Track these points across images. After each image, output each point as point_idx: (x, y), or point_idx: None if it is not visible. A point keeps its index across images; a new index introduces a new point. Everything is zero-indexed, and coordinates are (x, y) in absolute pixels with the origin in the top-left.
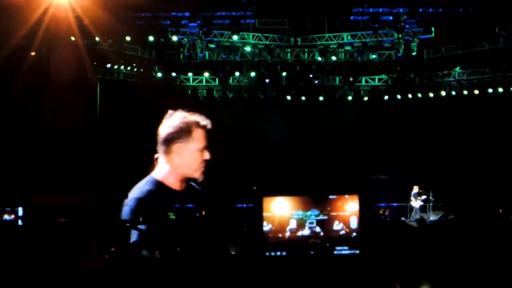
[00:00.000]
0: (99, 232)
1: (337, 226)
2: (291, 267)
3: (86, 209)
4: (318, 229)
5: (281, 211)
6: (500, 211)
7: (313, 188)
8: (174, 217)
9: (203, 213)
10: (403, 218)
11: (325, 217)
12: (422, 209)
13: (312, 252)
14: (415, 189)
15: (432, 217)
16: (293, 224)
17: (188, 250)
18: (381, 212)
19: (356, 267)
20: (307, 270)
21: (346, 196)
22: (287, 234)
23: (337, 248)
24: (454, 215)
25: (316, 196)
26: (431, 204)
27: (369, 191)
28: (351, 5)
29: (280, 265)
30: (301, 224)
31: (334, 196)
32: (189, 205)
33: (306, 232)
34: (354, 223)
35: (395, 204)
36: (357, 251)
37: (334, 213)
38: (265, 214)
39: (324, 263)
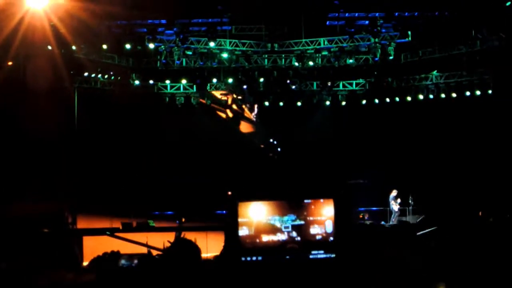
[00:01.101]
0: (79, 241)
1: (314, 230)
2: (267, 272)
3: (65, 218)
4: (294, 233)
5: (258, 216)
6: (480, 214)
7: (289, 193)
8: (153, 224)
9: (183, 220)
10: (382, 222)
11: (302, 222)
12: (402, 212)
13: (288, 257)
14: (394, 192)
15: (412, 220)
16: (269, 229)
17: (167, 255)
18: (360, 216)
19: (332, 270)
20: (283, 274)
21: (321, 200)
22: (264, 239)
23: (313, 252)
24: (434, 218)
25: (291, 201)
26: (410, 208)
27: (347, 196)
28: (327, 10)
29: (256, 270)
30: (277, 229)
31: (309, 201)
32: (169, 212)
33: (283, 237)
34: (330, 227)
35: (374, 208)
36: (333, 255)
37: (311, 218)
38: (241, 219)
39: (300, 267)
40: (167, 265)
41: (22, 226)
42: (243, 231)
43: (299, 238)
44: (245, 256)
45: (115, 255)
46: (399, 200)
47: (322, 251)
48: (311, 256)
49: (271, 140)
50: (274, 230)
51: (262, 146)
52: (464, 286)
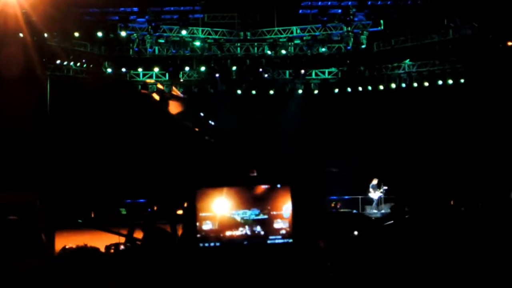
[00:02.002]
0: (48, 229)
1: (277, 225)
2: (225, 256)
3: (35, 207)
4: (258, 228)
5: (221, 210)
6: (452, 202)
7: (244, 179)
8: (125, 212)
9: (155, 208)
10: (354, 211)
11: (265, 217)
12: (380, 201)
13: (245, 242)
14: (374, 181)
15: (385, 209)
16: (233, 224)
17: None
18: (332, 205)
19: (289, 254)
20: (241, 259)
21: (278, 185)
22: (227, 233)
23: (271, 237)
24: (406, 207)
25: (249, 187)
26: (383, 196)
27: (308, 182)
28: None
29: (215, 255)
30: (240, 224)
31: (272, 191)
32: (141, 200)
33: (247, 231)
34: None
35: (346, 197)
36: (290, 240)
37: (274, 212)
38: (205, 214)
39: (258, 252)
40: (146, 255)
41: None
42: (206, 226)
43: (263, 233)
44: (203, 242)
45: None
46: (382, 189)
47: (279, 237)
48: (268, 242)
49: (206, 120)
50: (237, 224)
51: (196, 129)
52: (435, 277)
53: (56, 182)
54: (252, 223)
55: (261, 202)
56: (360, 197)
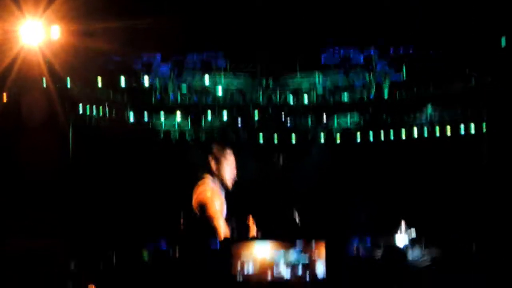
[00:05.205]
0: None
1: (318, 269)
2: None
3: (56, 254)
4: (300, 272)
5: (263, 254)
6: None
7: (283, 233)
8: (147, 257)
9: (177, 255)
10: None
11: (307, 262)
12: (407, 247)
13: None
14: (402, 224)
15: (418, 255)
16: (275, 267)
17: None
18: (355, 249)
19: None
20: None
21: (313, 241)
22: (269, 277)
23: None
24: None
25: (286, 241)
26: (409, 243)
27: (341, 236)
28: (322, 47)
29: None
30: (283, 267)
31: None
32: (163, 248)
33: (287, 275)
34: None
35: (368, 243)
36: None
37: (314, 258)
38: (246, 258)
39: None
40: None
41: (21, 263)
42: (248, 269)
43: (307, 278)
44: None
45: None
46: (413, 233)
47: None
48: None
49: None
50: (279, 268)
51: None
52: None
53: (79, 228)
54: (293, 266)
55: (304, 247)
56: (382, 244)
